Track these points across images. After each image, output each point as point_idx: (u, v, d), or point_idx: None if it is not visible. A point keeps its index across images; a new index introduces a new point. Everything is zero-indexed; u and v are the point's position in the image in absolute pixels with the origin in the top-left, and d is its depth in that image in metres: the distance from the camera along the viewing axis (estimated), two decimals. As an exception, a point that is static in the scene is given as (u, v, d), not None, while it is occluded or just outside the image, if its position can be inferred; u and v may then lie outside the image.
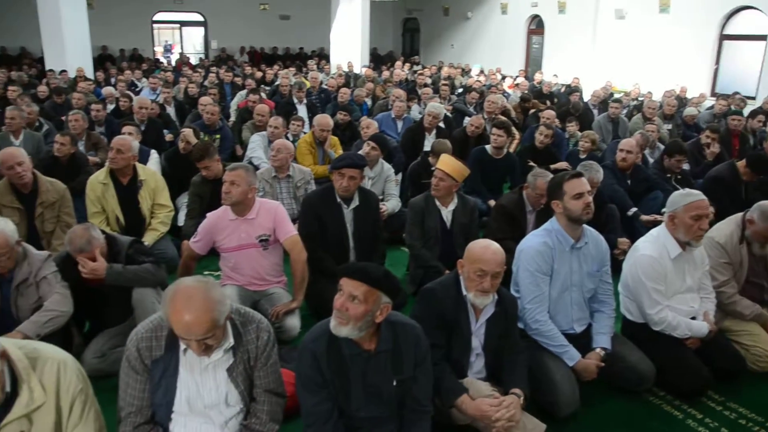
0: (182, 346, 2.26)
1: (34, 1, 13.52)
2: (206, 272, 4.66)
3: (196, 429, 2.36)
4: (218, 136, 7.20)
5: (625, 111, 10.17)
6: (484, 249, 2.82)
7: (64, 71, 12.95)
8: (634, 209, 5.47)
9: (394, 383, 2.44)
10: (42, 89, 10.53)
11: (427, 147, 6.84)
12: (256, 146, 6.57)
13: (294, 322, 3.91)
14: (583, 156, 6.65)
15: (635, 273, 3.43)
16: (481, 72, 17.12)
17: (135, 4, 20.68)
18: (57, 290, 3.22)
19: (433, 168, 4.62)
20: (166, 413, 2.34)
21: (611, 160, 5.80)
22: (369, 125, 6.75)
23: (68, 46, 13.75)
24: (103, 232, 3.44)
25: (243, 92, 10.51)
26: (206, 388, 2.32)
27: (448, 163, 4.35)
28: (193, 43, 24.57)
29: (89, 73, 13.56)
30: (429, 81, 13.17)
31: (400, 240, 5.20)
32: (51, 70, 13.05)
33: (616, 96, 11.39)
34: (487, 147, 6.31)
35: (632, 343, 3.44)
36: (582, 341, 3.32)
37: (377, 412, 2.45)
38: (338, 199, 4.16)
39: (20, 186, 4.38)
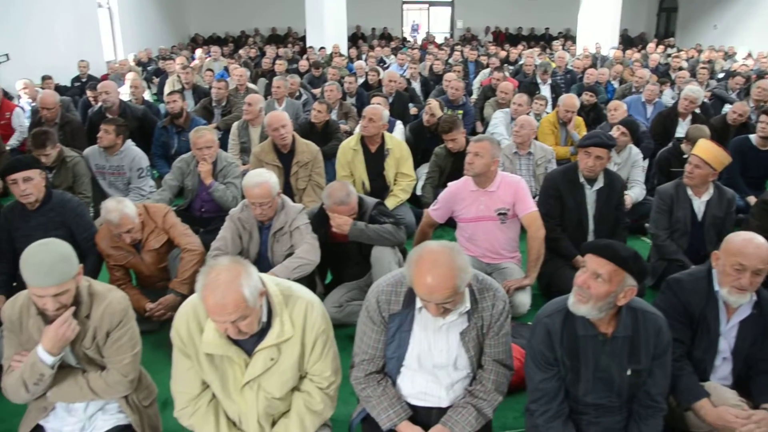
0: (419, 304, 2.31)
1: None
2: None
3: (423, 386, 2.41)
4: (461, 111, 7.28)
5: None
6: (747, 242, 2.50)
7: (322, 48, 14.05)
8: None
9: (628, 372, 2.28)
10: (303, 63, 11.47)
11: (680, 133, 6.29)
12: (498, 122, 6.54)
13: (524, 299, 3.85)
14: None
15: None
16: (749, 55, 15.34)
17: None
18: (307, 240, 3.49)
19: (686, 155, 4.24)
20: (396, 366, 2.41)
21: None
22: (617, 107, 6.36)
23: (327, 26, 14.87)
24: (353, 192, 3.65)
25: (486, 71, 10.54)
26: (437, 347, 2.35)
27: (706, 149, 3.93)
28: (439, 23, 25.11)
29: (343, 50, 14.52)
30: (685, 65, 12.12)
31: (641, 229, 4.88)
32: (311, 47, 14.25)
33: None
34: (752, 136, 5.63)
35: None
36: None
37: (605, 400, 2.32)
38: (581, 179, 4.00)
39: (281, 146, 4.85)
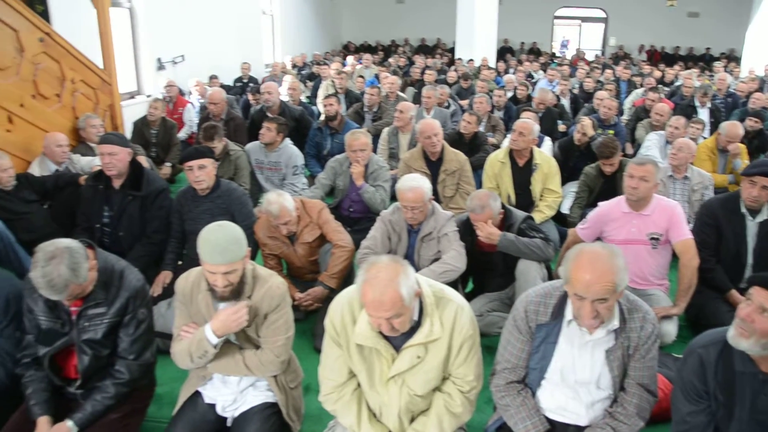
0: (567, 317, 2.31)
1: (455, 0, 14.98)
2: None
3: (562, 401, 2.40)
4: (612, 131, 7.08)
5: None
6: None
7: (470, 60, 14.12)
8: None
9: (791, 418, 2.14)
10: (451, 75, 11.60)
11: None
12: (652, 145, 6.31)
13: (670, 329, 3.71)
14: None
15: None
16: None
17: (541, 0, 21.38)
18: (454, 247, 3.57)
19: None
20: (537, 378, 2.42)
21: None
22: (787, 136, 5.96)
23: (477, 38, 14.94)
24: (501, 204, 3.68)
25: (639, 90, 10.17)
26: (581, 363, 2.34)
27: None
28: (590, 40, 24.45)
29: (492, 63, 14.51)
30: None
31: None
32: (459, 59, 14.36)
33: None
34: None
35: None
36: None
37: (762, 443, 2.19)
38: (743, 209, 3.79)
39: (430, 153, 4.99)
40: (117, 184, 4.05)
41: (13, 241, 4.21)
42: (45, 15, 5.95)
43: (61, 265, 2.39)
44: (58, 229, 4.55)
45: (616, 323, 2.28)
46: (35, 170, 4.97)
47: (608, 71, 13.10)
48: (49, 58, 5.31)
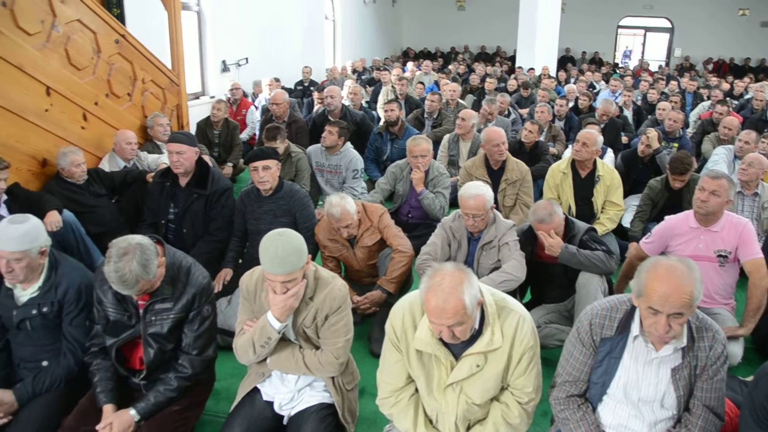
0: (633, 332, 2.27)
1: (516, 7, 14.83)
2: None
3: (624, 419, 2.35)
4: (676, 144, 6.92)
5: None
6: None
7: (531, 69, 13.97)
8: None
9: None
10: (511, 83, 11.52)
11: None
12: (720, 159, 6.13)
13: (736, 350, 3.58)
14: None
15: None
16: None
17: (604, 9, 21.06)
18: (515, 257, 3.54)
19: None
20: (599, 393, 2.37)
21: None
22: None
23: (538, 47, 14.78)
24: (565, 215, 3.64)
25: (705, 103, 9.91)
26: (646, 380, 2.29)
27: None
28: (654, 50, 23.90)
29: (552, 72, 14.34)
30: None
31: None
32: (520, 67, 14.22)
33: None
34: None
35: None
36: None
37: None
38: (818, 228, 3.65)
39: (494, 162, 4.98)
40: (183, 181, 4.16)
41: (84, 233, 4.38)
42: (120, 17, 6.14)
43: (133, 261, 2.47)
44: (125, 223, 4.71)
45: (684, 341, 2.22)
46: (105, 166, 5.15)
47: (673, 83, 12.79)
48: (123, 58, 5.49)
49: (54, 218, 4.08)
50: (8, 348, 2.94)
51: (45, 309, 2.83)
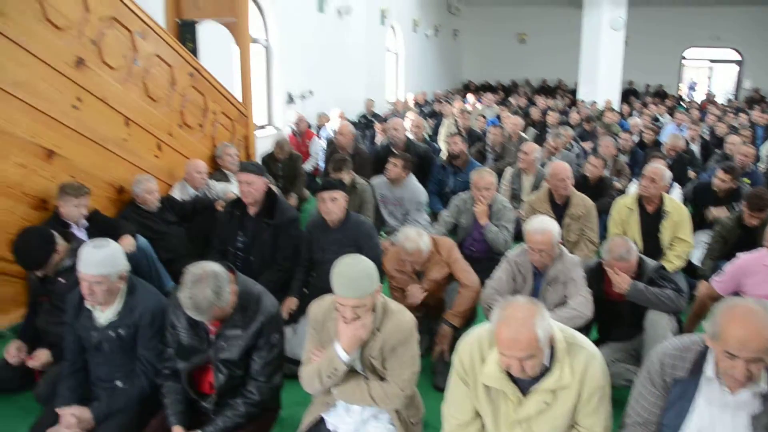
0: (707, 374, 2.19)
1: (578, 40, 14.78)
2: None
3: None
4: (747, 180, 6.71)
5: None
6: None
7: (593, 102, 13.84)
8: None
9: None
10: (574, 116, 11.43)
11: None
12: (795, 195, 5.93)
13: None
14: None
15: None
16: None
17: (669, 41, 20.72)
18: (582, 293, 3.49)
19: None
20: (669, 437, 2.31)
21: None
22: None
23: (600, 80, 14.67)
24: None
25: (778, 137, 9.61)
26: (722, 426, 2.20)
27: None
28: (721, 82, 23.34)
29: (615, 105, 14.18)
30: None
31: None
32: (582, 100, 14.09)
33: None
34: None
35: None
36: None
37: None
38: None
39: (558, 197, 4.92)
40: (252, 211, 4.27)
41: (156, 258, 4.54)
42: (194, 51, 6.42)
43: (207, 288, 2.56)
44: (193, 250, 4.85)
45: (764, 386, 2.13)
46: (176, 193, 5.34)
47: (742, 115, 12.46)
48: (196, 91, 5.72)
49: (128, 241, 4.25)
50: (86, 367, 3.06)
51: (122, 332, 2.94)
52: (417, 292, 3.82)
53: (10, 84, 3.90)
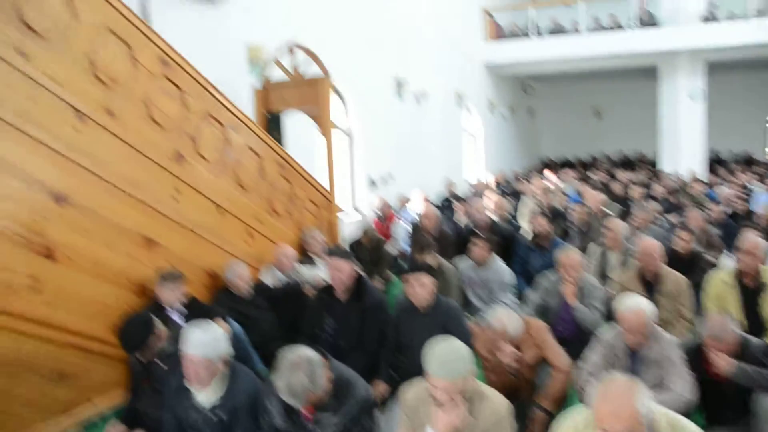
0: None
1: (655, 112, 14.61)
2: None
3: None
4: None
5: None
6: None
7: (677, 174, 13.52)
8: None
9: None
10: (657, 189, 11.17)
11: None
12: None
13: None
14: None
15: None
16: None
17: (751, 106, 20.17)
18: (683, 376, 3.34)
19: None
20: None
21: None
22: None
23: (683, 150, 14.36)
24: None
25: None
26: None
27: None
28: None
29: (700, 174, 13.80)
30: None
31: None
32: (666, 173, 13.79)
33: None
34: None
35: None
36: None
37: None
38: None
39: (648, 274, 4.78)
40: (341, 295, 4.37)
41: (248, 342, 4.66)
42: (280, 140, 6.73)
43: (302, 374, 2.63)
44: (283, 335, 4.95)
45: None
46: (266, 278, 5.50)
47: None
48: (284, 179, 5.98)
49: (224, 326, 4.38)
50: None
51: (224, 416, 3.03)
52: (510, 353, 3.75)
53: (119, 179, 4.20)
